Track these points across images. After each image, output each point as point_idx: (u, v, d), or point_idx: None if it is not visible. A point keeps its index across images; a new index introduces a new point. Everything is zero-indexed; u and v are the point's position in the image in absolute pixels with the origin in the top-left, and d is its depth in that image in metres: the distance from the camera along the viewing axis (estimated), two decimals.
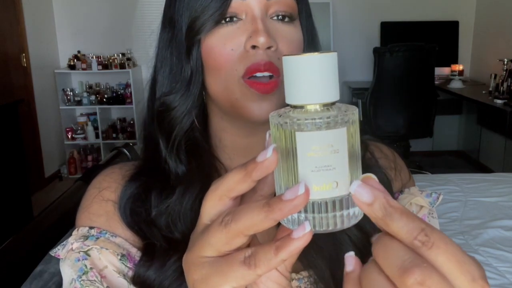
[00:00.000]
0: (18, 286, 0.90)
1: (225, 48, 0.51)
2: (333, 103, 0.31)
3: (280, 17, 0.52)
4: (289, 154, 0.30)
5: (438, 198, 0.64)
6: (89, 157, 4.50)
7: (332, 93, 0.31)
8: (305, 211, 0.30)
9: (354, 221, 0.31)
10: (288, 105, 0.32)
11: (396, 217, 0.28)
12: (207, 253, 0.33)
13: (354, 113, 0.30)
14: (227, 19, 0.51)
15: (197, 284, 0.33)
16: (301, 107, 0.31)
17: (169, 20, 0.56)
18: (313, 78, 0.30)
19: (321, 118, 0.29)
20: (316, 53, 0.30)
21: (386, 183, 0.60)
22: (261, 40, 0.49)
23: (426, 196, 0.63)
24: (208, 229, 0.33)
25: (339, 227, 0.30)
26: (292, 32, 0.53)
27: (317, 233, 0.30)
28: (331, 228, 0.30)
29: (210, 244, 0.32)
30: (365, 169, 0.63)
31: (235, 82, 0.51)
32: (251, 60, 0.50)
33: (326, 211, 0.30)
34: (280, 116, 0.31)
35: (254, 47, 0.50)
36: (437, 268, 0.26)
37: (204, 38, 0.52)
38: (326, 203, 0.30)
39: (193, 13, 0.51)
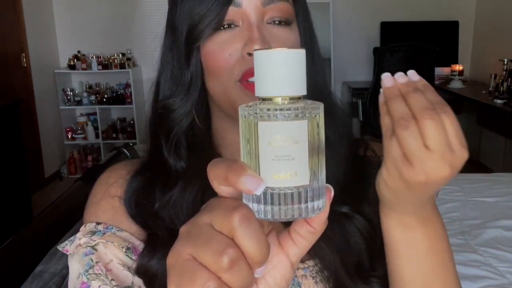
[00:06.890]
0: (18, 286, 0.91)
1: (223, 54, 0.54)
2: (299, 98, 0.32)
3: (276, 22, 0.54)
4: (252, 143, 0.31)
5: (437, 193, 0.65)
6: (89, 157, 4.50)
7: (298, 87, 0.32)
8: (265, 202, 0.31)
9: (312, 214, 0.31)
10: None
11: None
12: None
13: (318, 108, 0.32)
14: (225, 26, 0.54)
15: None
16: (269, 99, 0.32)
17: (170, 25, 0.59)
18: (280, 72, 0.31)
19: (282, 109, 0.30)
20: (284, 48, 0.32)
21: None
22: (256, 47, 0.51)
23: None
24: None
25: (300, 217, 0.31)
26: (288, 35, 0.55)
27: (275, 221, 0.31)
28: (289, 218, 0.31)
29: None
30: (367, 165, 0.64)
31: (232, 85, 0.54)
32: (247, 65, 0.52)
33: (285, 204, 0.31)
34: (248, 107, 0.32)
35: (250, 54, 0.52)
36: None
37: (203, 44, 0.54)
38: (285, 194, 0.31)
39: (191, 21, 0.54)
